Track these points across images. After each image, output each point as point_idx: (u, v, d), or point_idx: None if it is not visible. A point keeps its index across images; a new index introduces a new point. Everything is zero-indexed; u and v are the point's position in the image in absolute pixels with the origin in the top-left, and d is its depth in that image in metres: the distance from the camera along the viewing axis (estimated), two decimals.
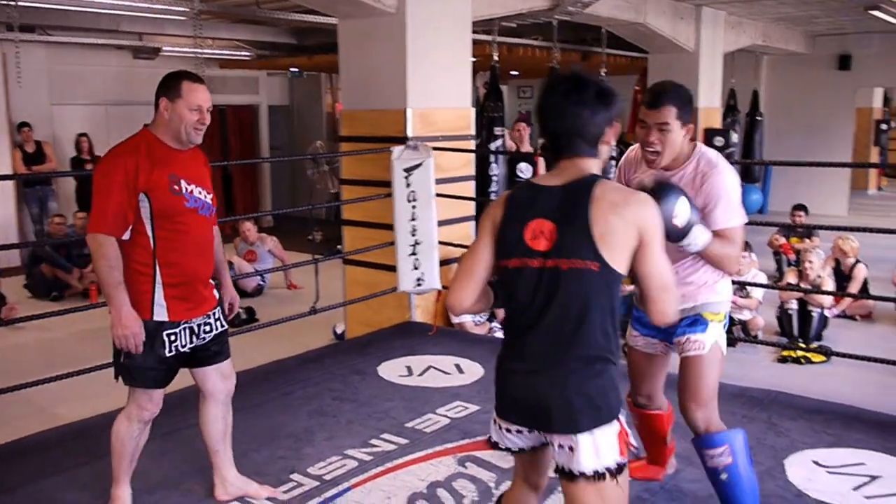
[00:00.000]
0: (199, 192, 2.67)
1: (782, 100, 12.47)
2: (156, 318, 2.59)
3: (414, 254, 4.88)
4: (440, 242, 5.07)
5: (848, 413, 3.78)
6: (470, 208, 5.75)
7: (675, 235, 2.29)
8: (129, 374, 2.65)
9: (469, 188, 5.74)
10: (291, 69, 11.98)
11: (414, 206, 4.90)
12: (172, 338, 2.63)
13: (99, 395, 4.31)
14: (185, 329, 2.66)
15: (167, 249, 2.59)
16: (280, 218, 11.41)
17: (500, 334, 5.66)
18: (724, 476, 2.49)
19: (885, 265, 6.92)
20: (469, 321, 5.58)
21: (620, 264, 1.82)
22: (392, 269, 5.00)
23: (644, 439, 3.04)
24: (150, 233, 2.58)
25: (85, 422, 3.73)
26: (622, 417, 1.89)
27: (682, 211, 2.28)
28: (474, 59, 6.27)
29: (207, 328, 2.74)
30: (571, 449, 1.85)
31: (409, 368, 4.43)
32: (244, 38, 10.03)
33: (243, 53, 10.82)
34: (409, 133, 5.10)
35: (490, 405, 3.80)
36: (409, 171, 4.89)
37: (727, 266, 2.50)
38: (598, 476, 1.85)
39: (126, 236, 2.56)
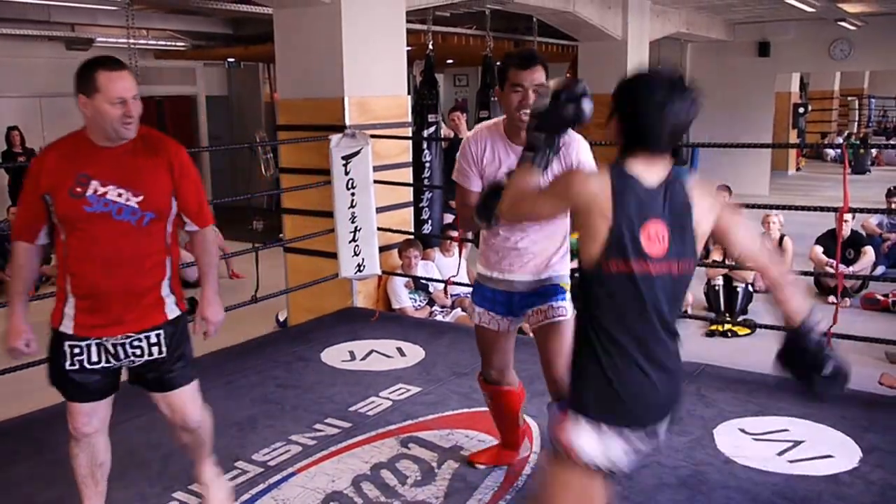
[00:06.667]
0: (120, 195, 2.26)
1: (706, 85, 12.56)
2: (62, 328, 2.34)
3: (354, 240, 4.93)
4: (379, 228, 5.13)
5: (771, 382, 3.94)
6: (408, 194, 5.82)
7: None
8: (51, 380, 2.41)
9: (406, 174, 5.80)
10: (228, 59, 11.80)
11: (353, 194, 4.94)
12: (76, 350, 2.33)
13: (32, 391, 4.22)
14: (93, 345, 2.33)
15: (74, 258, 2.31)
16: (220, 208, 11.18)
17: (440, 317, 5.76)
18: None
19: (804, 241, 7.22)
20: (409, 306, 5.66)
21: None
22: (333, 256, 5.05)
23: (497, 421, 3.06)
24: (63, 238, 2.32)
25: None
26: None
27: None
28: (409, 48, 6.31)
29: (138, 352, 2.37)
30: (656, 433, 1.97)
31: (351, 353, 4.49)
32: (179, 28, 9.82)
33: (179, 44, 10.60)
34: (347, 121, 5.13)
35: (432, 386, 3.92)
36: (347, 158, 4.93)
37: None
38: None
39: (42, 241, 2.36)
